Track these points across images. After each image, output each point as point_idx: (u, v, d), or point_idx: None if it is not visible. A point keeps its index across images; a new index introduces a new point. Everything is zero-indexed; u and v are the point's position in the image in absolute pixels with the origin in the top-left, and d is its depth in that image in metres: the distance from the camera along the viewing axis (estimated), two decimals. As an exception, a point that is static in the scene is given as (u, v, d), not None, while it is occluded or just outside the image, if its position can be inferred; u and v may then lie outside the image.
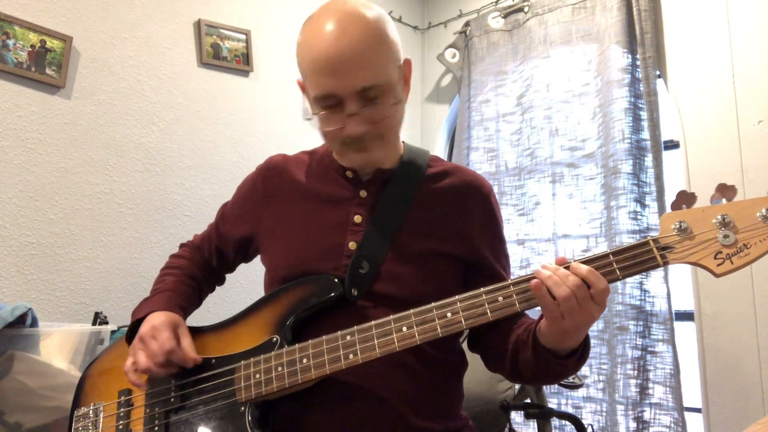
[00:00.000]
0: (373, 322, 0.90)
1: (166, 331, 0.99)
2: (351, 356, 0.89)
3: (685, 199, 0.84)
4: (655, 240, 0.83)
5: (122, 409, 1.04)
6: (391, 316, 0.90)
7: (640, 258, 0.82)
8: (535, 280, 0.83)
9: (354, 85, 0.92)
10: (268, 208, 1.13)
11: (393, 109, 0.97)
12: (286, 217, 1.09)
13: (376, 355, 0.88)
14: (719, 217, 0.80)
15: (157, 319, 1.02)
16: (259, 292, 1.09)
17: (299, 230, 1.07)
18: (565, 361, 0.89)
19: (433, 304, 0.89)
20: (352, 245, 1.02)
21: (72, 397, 1.11)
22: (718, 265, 0.79)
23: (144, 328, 1.01)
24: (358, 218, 1.04)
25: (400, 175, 1.08)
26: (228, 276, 1.29)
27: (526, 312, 1.05)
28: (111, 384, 1.08)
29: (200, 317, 1.20)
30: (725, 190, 0.82)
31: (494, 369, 1.07)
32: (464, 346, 1.14)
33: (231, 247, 1.19)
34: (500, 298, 0.86)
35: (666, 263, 0.82)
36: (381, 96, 0.94)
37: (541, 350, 0.90)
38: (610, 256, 0.83)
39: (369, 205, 1.05)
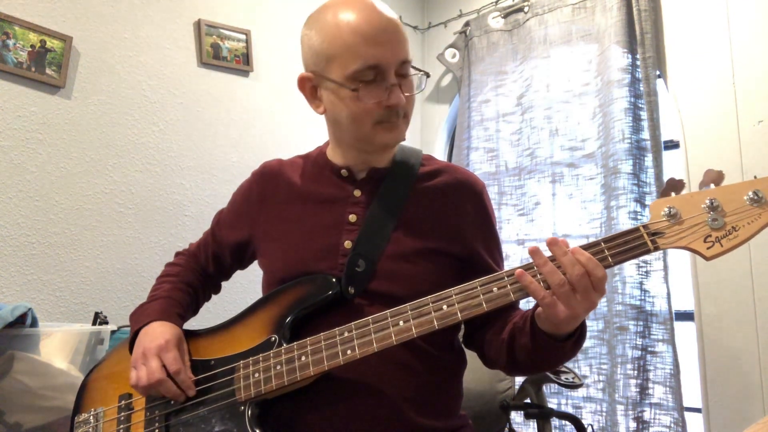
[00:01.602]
0: (370, 318, 0.91)
1: (172, 351, 1.00)
2: (349, 352, 0.90)
3: (674, 186, 0.85)
4: (645, 226, 0.84)
5: (122, 414, 1.04)
6: (388, 311, 0.90)
7: (631, 244, 0.83)
8: (518, 270, 0.84)
9: (399, 55, 0.97)
10: (264, 211, 1.13)
11: (413, 89, 1.02)
12: (282, 219, 1.10)
13: (374, 350, 0.89)
14: (707, 201, 0.82)
15: (161, 333, 1.02)
16: (257, 294, 1.09)
17: (295, 231, 1.07)
18: (563, 344, 0.89)
19: (428, 297, 0.89)
20: (347, 244, 1.02)
21: (72, 397, 1.12)
22: (708, 248, 0.81)
23: (147, 342, 1.01)
24: (353, 217, 1.05)
25: (393, 173, 1.09)
26: (223, 282, 1.30)
27: (520, 307, 1.06)
28: (111, 389, 1.08)
29: (200, 318, 1.20)
30: (713, 176, 0.83)
31: (491, 363, 1.07)
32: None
33: (227, 252, 1.20)
34: (495, 289, 0.87)
35: (657, 248, 0.83)
36: (408, 76, 1.00)
37: (538, 334, 0.90)
38: (602, 243, 0.84)
39: (363, 204, 1.06)
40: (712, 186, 0.83)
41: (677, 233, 0.82)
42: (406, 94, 0.99)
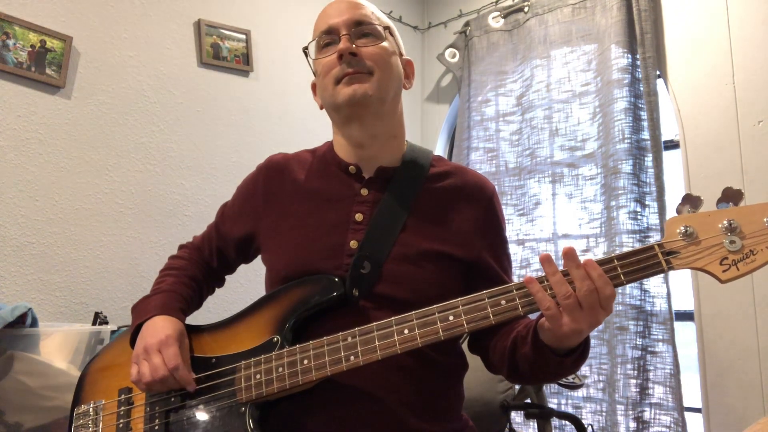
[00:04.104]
0: (374, 324, 0.90)
1: (173, 346, 0.98)
2: (352, 358, 0.89)
3: (691, 202, 0.82)
4: (660, 245, 0.81)
5: (122, 408, 1.03)
6: (393, 318, 0.89)
7: (645, 263, 0.80)
8: (528, 276, 0.83)
9: (347, 16, 1.05)
10: (269, 206, 1.12)
11: (381, 47, 1.05)
12: (287, 215, 1.09)
13: (378, 357, 0.87)
14: (726, 222, 0.78)
15: (162, 328, 1.01)
16: (259, 292, 1.08)
17: (300, 229, 1.06)
18: (563, 359, 0.87)
19: (434, 306, 0.88)
20: (353, 244, 1.01)
21: (72, 397, 1.11)
22: (724, 271, 0.78)
23: (149, 337, 1.00)
24: (359, 216, 1.04)
25: (401, 173, 1.08)
26: (228, 276, 1.29)
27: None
28: (111, 382, 1.07)
29: (200, 317, 1.19)
30: (732, 195, 0.80)
31: (495, 370, 1.06)
32: (464, 347, 1.14)
33: (232, 246, 1.19)
34: (503, 302, 0.85)
35: (671, 269, 0.80)
36: (372, 36, 1.06)
37: (540, 346, 0.88)
38: (615, 260, 0.81)
39: (371, 203, 1.05)
40: (731, 204, 0.80)
41: (693, 254, 0.79)
42: (363, 47, 1.03)
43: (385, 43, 1.06)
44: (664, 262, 0.80)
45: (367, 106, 1.03)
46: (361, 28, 1.05)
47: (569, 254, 0.81)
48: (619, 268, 0.81)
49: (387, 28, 1.08)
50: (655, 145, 2.22)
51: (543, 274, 0.83)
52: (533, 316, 0.92)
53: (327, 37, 1.06)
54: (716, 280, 0.80)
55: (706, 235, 0.80)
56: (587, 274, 0.79)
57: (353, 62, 1.02)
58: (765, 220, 0.77)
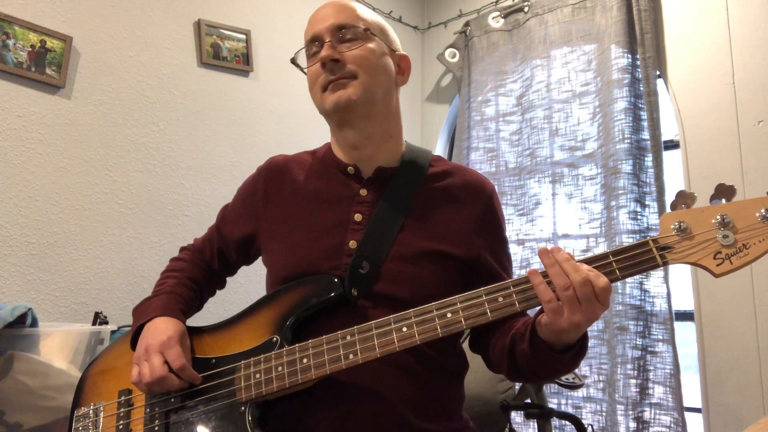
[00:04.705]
0: (373, 322, 0.90)
1: (176, 347, 0.99)
2: (351, 356, 0.89)
3: (685, 199, 0.83)
4: (654, 240, 0.83)
5: (122, 409, 1.03)
6: (391, 316, 0.89)
7: (640, 258, 0.82)
8: (531, 269, 0.84)
9: (330, 21, 1.05)
10: (269, 207, 1.13)
11: (364, 49, 1.04)
12: (287, 216, 1.10)
13: (377, 355, 0.88)
14: (719, 217, 0.80)
15: (164, 330, 1.01)
16: (259, 293, 1.09)
17: (300, 229, 1.07)
18: (562, 356, 0.88)
19: (433, 304, 0.88)
20: (352, 244, 1.02)
21: (72, 398, 1.11)
22: (718, 265, 0.79)
23: (150, 338, 1.00)
24: (358, 217, 1.04)
25: (401, 174, 1.08)
26: (228, 278, 1.29)
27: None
28: (111, 384, 1.08)
29: (200, 317, 1.20)
30: (724, 191, 0.82)
31: (495, 368, 1.07)
32: (465, 346, 1.14)
33: (233, 248, 1.19)
34: (500, 298, 0.86)
35: (665, 263, 0.81)
36: (355, 39, 1.05)
37: (538, 343, 0.89)
38: (610, 256, 0.83)
39: (370, 203, 1.05)
40: (724, 201, 0.82)
41: (687, 248, 0.81)
42: (347, 51, 1.03)
43: (370, 44, 1.06)
44: (659, 256, 0.82)
45: (353, 110, 1.04)
46: (344, 32, 1.05)
47: (558, 250, 0.83)
48: (614, 263, 0.83)
49: (368, 29, 1.07)
50: (655, 145, 2.22)
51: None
52: (531, 313, 0.93)
53: (314, 46, 1.07)
54: (713, 277, 0.81)
55: (699, 230, 0.81)
56: (578, 267, 0.81)
57: (336, 69, 1.03)
58: (757, 214, 0.79)
